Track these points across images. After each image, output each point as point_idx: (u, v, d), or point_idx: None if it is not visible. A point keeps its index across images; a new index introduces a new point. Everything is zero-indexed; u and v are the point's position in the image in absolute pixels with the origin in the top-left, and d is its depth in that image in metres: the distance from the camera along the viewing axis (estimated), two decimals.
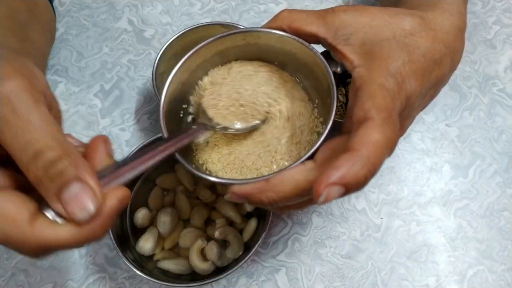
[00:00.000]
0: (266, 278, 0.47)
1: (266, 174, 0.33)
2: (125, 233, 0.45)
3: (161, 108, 0.37)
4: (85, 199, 0.24)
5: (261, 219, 0.45)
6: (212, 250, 0.43)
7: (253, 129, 0.37)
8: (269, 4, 0.62)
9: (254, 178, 0.31)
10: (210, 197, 0.46)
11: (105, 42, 0.59)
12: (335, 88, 0.33)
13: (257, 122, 0.37)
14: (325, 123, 0.34)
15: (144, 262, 0.43)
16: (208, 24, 0.52)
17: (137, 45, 0.59)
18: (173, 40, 0.50)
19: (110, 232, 0.41)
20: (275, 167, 0.35)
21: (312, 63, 0.36)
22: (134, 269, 0.39)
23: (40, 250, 0.24)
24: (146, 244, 0.43)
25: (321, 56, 0.34)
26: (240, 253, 0.44)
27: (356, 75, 0.32)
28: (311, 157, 0.31)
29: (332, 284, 0.47)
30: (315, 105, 0.38)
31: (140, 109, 0.55)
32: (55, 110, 0.31)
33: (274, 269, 0.47)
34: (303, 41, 0.35)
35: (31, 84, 0.26)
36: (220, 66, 0.39)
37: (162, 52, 0.50)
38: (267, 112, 0.37)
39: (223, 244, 0.44)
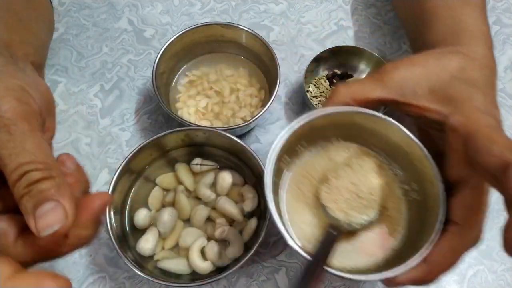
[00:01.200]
0: (266, 278, 0.47)
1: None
2: (125, 233, 0.45)
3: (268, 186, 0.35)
4: (55, 217, 0.25)
5: (261, 219, 0.45)
6: (212, 250, 0.43)
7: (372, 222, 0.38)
8: (269, 4, 0.62)
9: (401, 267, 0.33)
10: (210, 197, 0.46)
11: (105, 42, 0.59)
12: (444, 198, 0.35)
13: (375, 214, 0.37)
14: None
15: (144, 262, 0.43)
16: (208, 24, 0.52)
17: (137, 45, 0.59)
18: (173, 40, 0.50)
19: (110, 232, 0.41)
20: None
21: (415, 158, 0.37)
22: (134, 269, 0.39)
23: None
24: (146, 244, 0.43)
25: (427, 153, 0.36)
26: (240, 253, 0.44)
27: (455, 123, 0.32)
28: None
29: (332, 284, 0.47)
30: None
31: (140, 109, 0.55)
32: (49, 122, 0.33)
33: (274, 269, 0.47)
34: (415, 138, 0.36)
35: (27, 108, 0.28)
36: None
37: (162, 52, 0.50)
38: (383, 207, 0.38)
39: (223, 244, 0.44)
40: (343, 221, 0.37)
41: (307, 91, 0.54)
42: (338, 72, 0.56)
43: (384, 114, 0.37)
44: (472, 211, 0.33)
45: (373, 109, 0.37)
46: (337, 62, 0.56)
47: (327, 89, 0.55)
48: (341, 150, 0.41)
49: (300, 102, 0.55)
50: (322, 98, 0.54)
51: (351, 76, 0.56)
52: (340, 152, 0.41)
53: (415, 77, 0.35)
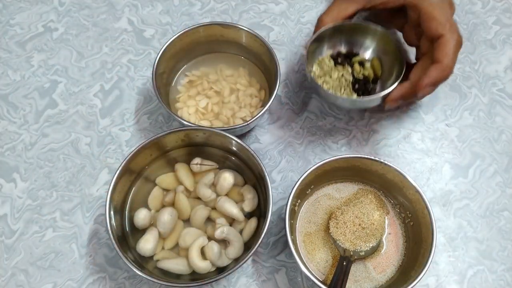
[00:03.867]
0: (266, 278, 0.47)
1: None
2: (125, 233, 0.45)
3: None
4: None
5: (261, 219, 0.45)
6: (212, 250, 0.43)
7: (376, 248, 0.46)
8: (269, 4, 0.62)
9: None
10: (210, 197, 0.46)
11: (105, 42, 0.59)
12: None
13: (377, 241, 0.45)
14: None
15: (144, 262, 0.43)
16: (208, 24, 0.52)
17: (137, 45, 0.59)
18: (173, 40, 0.50)
19: (110, 232, 0.41)
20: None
21: (404, 187, 0.45)
22: (134, 269, 0.39)
23: None
24: (146, 245, 0.43)
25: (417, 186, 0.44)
26: (240, 253, 0.44)
27: (411, 2, 0.46)
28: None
29: None
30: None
31: (140, 109, 0.55)
32: None
33: (274, 269, 0.47)
34: (403, 172, 0.44)
35: None
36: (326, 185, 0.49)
37: (162, 52, 0.50)
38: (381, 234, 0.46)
39: (223, 244, 0.44)
40: (352, 250, 0.44)
41: (311, 71, 0.51)
42: (343, 51, 0.54)
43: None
44: (423, 71, 0.45)
45: (351, 18, 0.50)
46: (340, 40, 0.53)
47: (331, 68, 0.52)
48: (344, 189, 0.49)
49: (300, 101, 0.55)
50: (326, 78, 0.51)
51: (357, 54, 0.53)
52: (343, 191, 0.48)
53: None
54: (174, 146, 0.48)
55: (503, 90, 0.57)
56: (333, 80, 0.51)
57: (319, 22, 0.50)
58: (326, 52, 0.54)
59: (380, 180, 0.47)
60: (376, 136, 0.54)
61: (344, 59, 0.53)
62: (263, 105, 0.51)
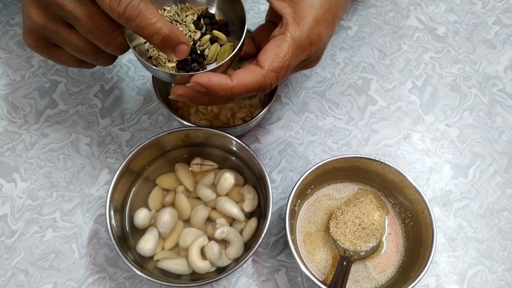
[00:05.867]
0: (266, 278, 0.47)
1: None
2: (125, 233, 0.45)
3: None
4: (185, 48, 0.37)
5: (261, 219, 0.45)
6: (212, 250, 0.43)
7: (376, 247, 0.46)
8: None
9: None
10: (210, 197, 0.46)
11: None
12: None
13: (377, 241, 0.45)
14: None
15: (144, 262, 0.43)
16: None
17: None
18: None
19: (110, 232, 0.41)
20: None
21: (404, 187, 0.45)
22: (134, 269, 0.39)
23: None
24: (146, 245, 0.43)
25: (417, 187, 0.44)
26: (240, 253, 0.44)
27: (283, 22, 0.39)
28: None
29: None
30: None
31: (140, 109, 0.55)
32: None
33: (274, 269, 0.47)
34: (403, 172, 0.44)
35: None
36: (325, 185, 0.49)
37: None
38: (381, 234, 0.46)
39: (223, 244, 0.44)
40: (352, 251, 0.44)
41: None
42: (217, 16, 0.44)
43: None
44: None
45: None
46: None
47: (182, 23, 0.43)
48: (344, 189, 0.49)
49: (300, 101, 0.55)
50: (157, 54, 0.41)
51: (224, 28, 0.43)
52: (343, 191, 0.48)
53: None
54: (174, 146, 0.48)
55: (503, 90, 0.57)
56: None
57: None
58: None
59: (380, 180, 0.47)
60: (376, 136, 0.54)
61: (208, 23, 0.43)
62: (263, 105, 0.51)
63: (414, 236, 0.45)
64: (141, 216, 0.44)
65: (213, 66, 0.39)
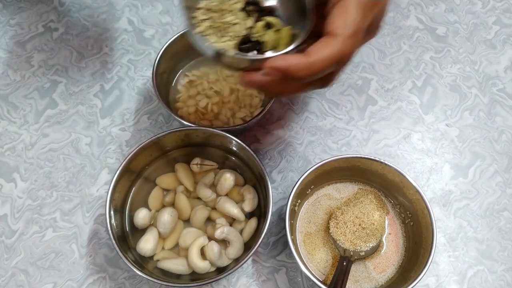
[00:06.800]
0: (266, 278, 0.47)
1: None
2: (125, 233, 0.45)
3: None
4: None
5: (261, 219, 0.45)
6: (212, 250, 0.43)
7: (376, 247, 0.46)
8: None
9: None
10: (210, 197, 0.46)
11: (105, 42, 0.59)
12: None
13: (377, 241, 0.45)
14: None
15: (144, 262, 0.43)
16: None
17: (137, 45, 0.59)
18: (173, 40, 0.50)
19: (110, 232, 0.41)
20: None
21: (404, 188, 0.45)
22: (134, 269, 0.39)
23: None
24: (146, 245, 0.43)
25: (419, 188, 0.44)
26: (240, 253, 0.44)
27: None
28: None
29: None
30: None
31: (140, 109, 0.55)
32: None
33: (274, 269, 0.47)
34: (403, 172, 0.44)
35: None
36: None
37: (162, 52, 0.50)
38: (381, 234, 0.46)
39: (223, 244, 0.44)
40: (352, 251, 0.44)
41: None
42: (262, 2, 0.41)
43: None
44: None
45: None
46: None
47: (232, 10, 0.40)
48: (344, 189, 0.49)
49: (300, 101, 0.55)
50: (215, 15, 0.39)
51: (273, 13, 0.41)
52: (343, 191, 0.49)
53: None
54: (174, 146, 0.48)
55: (503, 90, 0.57)
56: (220, 22, 0.39)
57: None
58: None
59: (380, 180, 0.47)
60: (376, 136, 0.54)
61: (256, 11, 0.41)
62: (263, 105, 0.51)
63: (414, 236, 0.45)
64: (141, 216, 0.44)
65: (273, 54, 0.35)
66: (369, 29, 0.37)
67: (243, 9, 0.40)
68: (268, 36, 0.39)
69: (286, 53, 0.35)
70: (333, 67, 0.34)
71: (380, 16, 0.37)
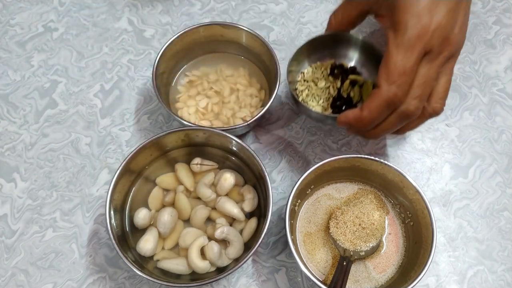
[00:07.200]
0: (266, 278, 0.47)
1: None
2: (125, 233, 0.45)
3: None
4: None
5: (261, 219, 0.45)
6: (212, 250, 0.43)
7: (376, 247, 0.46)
8: (269, 4, 0.62)
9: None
10: (210, 197, 0.46)
11: (105, 42, 0.59)
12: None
13: (377, 241, 0.45)
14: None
15: (144, 262, 0.43)
16: (208, 24, 0.52)
17: (137, 45, 0.59)
18: (173, 40, 0.50)
19: (110, 232, 0.41)
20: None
21: (404, 187, 0.45)
22: (134, 269, 0.39)
23: None
24: (146, 245, 0.43)
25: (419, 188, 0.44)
26: (240, 253, 0.44)
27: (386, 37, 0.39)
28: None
29: None
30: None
31: (140, 109, 0.55)
32: None
33: (274, 269, 0.47)
34: (402, 171, 0.44)
35: None
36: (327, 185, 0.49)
37: (162, 52, 0.50)
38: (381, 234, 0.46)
39: (223, 244, 0.44)
40: (352, 250, 0.44)
41: (291, 71, 0.50)
42: (345, 64, 0.51)
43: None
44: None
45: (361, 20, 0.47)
46: (321, 54, 0.52)
47: (323, 76, 0.51)
48: (344, 189, 0.49)
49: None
50: (311, 84, 0.51)
51: (355, 71, 0.51)
52: (343, 191, 0.48)
53: None
54: (174, 146, 0.48)
55: (503, 90, 0.57)
56: (316, 89, 0.51)
57: (330, 24, 0.48)
58: (320, 58, 0.52)
59: (380, 180, 0.47)
60: None
61: (341, 72, 0.51)
62: (263, 105, 0.51)
63: (414, 236, 0.45)
64: (141, 216, 0.44)
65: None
66: (433, 54, 0.38)
67: (331, 73, 0.50)
68: (354, 92, 0.49)
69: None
70: (384, 114, 0.39)
71: (435, 40, 0.38)
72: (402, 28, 0.37)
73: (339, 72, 0.50)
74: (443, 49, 0.38)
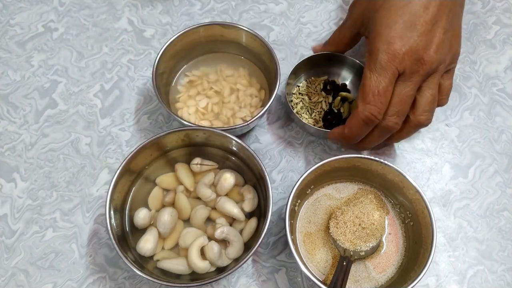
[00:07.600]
0: (266, 278, 0.47)
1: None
2: (125, 233, 0.45)
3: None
4: None
5: (261, 219, 0.45)
6: (212, 250, 0.43)
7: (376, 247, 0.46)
8: (269, 4, 0.62)
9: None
10: (210, 197, 0.46)
11: (105, 42, 0.59)
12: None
13: (377, 241, 0.45)
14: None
15: (144, 262, 0.43)
16: (208, 24, 0.52)
17: (137, 45, 0.59)
18: (173, 40, 0.50)
19: (110, 232, 0.41)
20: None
21: (404, 188, 0.45)
22: (134, 269, 0.39)
23: None
24: (146, 245, 0.43)
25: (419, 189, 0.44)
26: (240, 253, 0.44)
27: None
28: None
29: None
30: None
31: (140, 109, 0.55)
32: None
33: (274, 269, 0.47)
34: (403, 172, 0.44)
35: None
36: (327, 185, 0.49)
37: (162, 52, 0.50)
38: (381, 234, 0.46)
39: (223, 244, 0.44)
40: (352, 250, 0.44)
41: (290, 83, 0.53)
42: (337, 81, 0.55)
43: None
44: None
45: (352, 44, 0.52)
46: (316, 70, 0.55)
47: (316, 91, 0.54)
48: (344, 189, 0.49)
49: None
50: (305, 97, 0.54)
51: (345, 88, 0.54)
52: (343, 191, 0.49)
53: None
54: (174, 146, 0.48)
55: (503, 90, 0.57)
56: (309, 102, 0.54)
57: (325, 47, 0.54)
58: (315, 74, 0.55)
59: (380, 180, 0.47)
60: None
61: (332, 88, 0.54)
62: (263, 105, 0.51)
63: (414, 236, 0.45)
64: (141, 216, 0.44)
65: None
66: (406, 74, 0.42)
67: (324, 88, 0.54)
68: (344, 108, 0.53)
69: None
70: (365, 130, 0.44)
71: (409, 60, 0.41)
72: (375, 53, 0.42)
73: (331, 88, 0.54)
74: (417, 69, 0.42)
